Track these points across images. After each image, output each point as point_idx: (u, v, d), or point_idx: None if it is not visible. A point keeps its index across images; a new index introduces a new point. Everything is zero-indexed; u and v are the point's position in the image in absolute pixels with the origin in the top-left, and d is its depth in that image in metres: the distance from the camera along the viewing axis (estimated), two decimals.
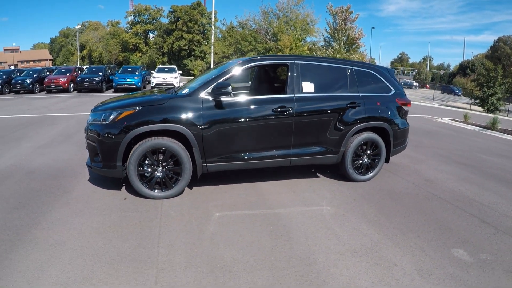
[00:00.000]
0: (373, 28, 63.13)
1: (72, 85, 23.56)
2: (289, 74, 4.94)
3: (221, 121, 4.49)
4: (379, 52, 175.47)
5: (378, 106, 5.29)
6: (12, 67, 59.70)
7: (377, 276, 2.96)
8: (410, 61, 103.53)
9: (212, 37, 38.29)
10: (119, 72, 25.68)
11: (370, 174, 5.44)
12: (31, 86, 22.81)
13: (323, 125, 5.01)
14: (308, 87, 4.97)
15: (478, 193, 5.14)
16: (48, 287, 2.68)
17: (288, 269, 3.01)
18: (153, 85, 24.69)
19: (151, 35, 66.75)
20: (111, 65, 31.55)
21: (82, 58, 67.92)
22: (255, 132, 4.71)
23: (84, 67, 31.05)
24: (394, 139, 5.45)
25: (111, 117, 4.33)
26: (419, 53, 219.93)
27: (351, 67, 5.32)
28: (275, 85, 6.26)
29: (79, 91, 22.71)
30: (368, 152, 5.36)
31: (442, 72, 75.59)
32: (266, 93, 5.66)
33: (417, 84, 56.63)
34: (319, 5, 77.31)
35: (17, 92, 22.90)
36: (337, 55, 32.12)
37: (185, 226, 3.71)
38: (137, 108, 4.33)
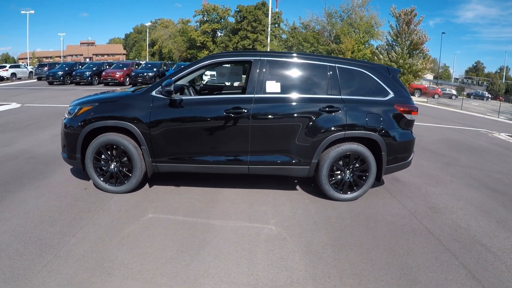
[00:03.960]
0: (443, 33, 58.21)
1: (128, 79, 24.61)
2: (251, 72, 4.38)
3: (170, 120, 4.30)
4: (453, 60, 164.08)
5: (365, 112, 4.37)
6: (87, 60, 64.84)
7: None
8: (486, 70, 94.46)
9: (269, 38, 37.90)
10: (172, 68, 26.36)
11: (354, 194, 4.53)
12: (89, 78, 24.32)
13: (288, 131, 4.28)
14: (272, 87, 4.31)
15: (492, 234, 3.94)
16: None
17: (164, 286, 2.75)
18: (204, 82, 25.07)
19: (219, 33, 68.45)
20: (168, 62, 32.59)
21: (153, 54, 71.78)
22: (207, 134, 4.30)
23: (142, 62, 32.41)
24: (389, 153, 4.47)
25: (75, 112, 4.47)
26: (496, 62, 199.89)
27: (333, 65, 4.47)
28: None
29: (134, 85, 23.62)
30: (352, 167, 4.44)
31: None
32: None
33: (489, 96, 51.34)
34: (384, 7, 73.47)
35: (77, 84, 24.62)
36: (400, 60, 30.00)
37: (111, 222, 3.71)
38: (94, 104, 4.42)
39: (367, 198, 4.66)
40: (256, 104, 4.23)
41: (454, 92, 45.93)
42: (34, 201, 4.13)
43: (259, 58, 4.41)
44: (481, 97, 50.80)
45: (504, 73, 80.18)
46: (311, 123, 4.26)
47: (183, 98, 4.38)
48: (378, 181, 4.68)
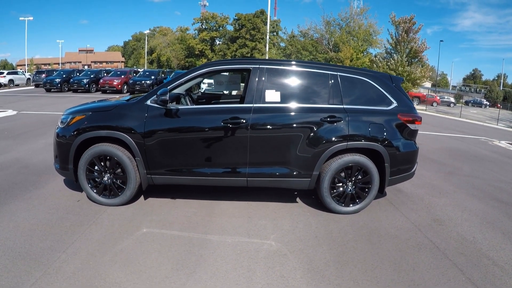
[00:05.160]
0: (441, 41, 58.20)
1: (125, 86, 24.54)
2: (250, 80, 4.26)
3: (165, 130, 4.15)
4: (451, 68, 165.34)
5: (368, 122, 4.25)
6: (86, 67, 64.90)
7: None
8: (484, 78, 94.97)
9: (267, 46, 37.95)
10: (170, 76, 26.31)
11: (356, 206, 4.39)
12: (87, 85, 24.21)
13: (288, 142, 4.15)
14: (272, 96, 4.18)
15: (498, 246, 3.82)
16: None
17: None
18: (202, 90, 25.01)
19: (217, 41, 68.52)
20: (166, 70, 32.56)
21: (151, 62, 71.75)
22: (204, 145, 4.16)
23: (140, 70, 32.37)
24: (392, 164, 4.34)
25: (67, 121, 4.34)
26: (493, 70, 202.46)
27: (335, 73, 4.35)
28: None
29: (132, 93, 23.56)
30: (354, 179, 4.31)
31: None
32: None
33: (488, 103, 51.49)
34: (383, 15, 73.96)
35: (75, 91, 24.50)
36: (399, 68, 30.05)
37: (104, 237, 3.56)
38: (88, 114, 4.29)
39: (369, 211, 4.52)
40: (255, 114, 4.10)
41: (452, 99, 46.02)
42: (24, 214, 3.99)
43: (258, 66, 4.29)
44: (479, 104, 50.91)
45: (502, 80, 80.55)
46: (312, 133, 4.13)
47: (179, 107, 4.24)
48: (381, 193, 4.56)
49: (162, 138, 4.11)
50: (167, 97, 4.02)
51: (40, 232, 3.60)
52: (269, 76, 4.26)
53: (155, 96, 4.11)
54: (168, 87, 4.15)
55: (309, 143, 4.14)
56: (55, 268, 2.97)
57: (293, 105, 4.21)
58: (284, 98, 4.22)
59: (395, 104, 4.41)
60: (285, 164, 4.19)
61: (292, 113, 4.18)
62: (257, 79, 4.22)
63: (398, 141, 4.36)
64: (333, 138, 4.14)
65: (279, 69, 4.34)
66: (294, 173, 4.21)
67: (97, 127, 4.16)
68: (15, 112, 12.72)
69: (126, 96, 5.23)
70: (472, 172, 7.31)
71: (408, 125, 4.43)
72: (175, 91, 4.55)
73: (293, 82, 4.34)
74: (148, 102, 4.18)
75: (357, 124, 4.20)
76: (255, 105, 4.14)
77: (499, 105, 39.55)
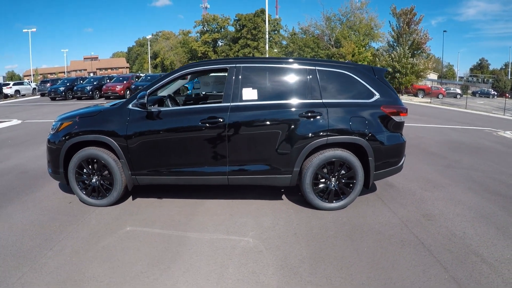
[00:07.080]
0: (444, 31, 57.15)
1: (128, 92, 24.68)
2: (227, 79, 4.27)
3: (146, 132, 4.23)
4: (458, 58, 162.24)
5: (349, 115, 4.16)
6: (91, 74, 65.60)
7: None
8: (491, 67, 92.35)
9: (267, 45, 37.87)
10: None
11: (340, 202, 4.30)
12: (90, 92, 24.43)
13: (266, 139, 4.12)
14: (249, 94, 4.17)
15: (490, 242, 3.60)
16: None
17: None
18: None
19: (220, 43, 68.68)
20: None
21: (156, 66, 72.23)
22: (185, 145, 4.20)
23: (142, 74, 32.54)
24: (377, 158, 4.24)
25: (57, 127, 4.50)
26: (501, 59, 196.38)
27: (312, 68, 4.29)
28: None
29: None
30: (337, 174, 4.22)
31: None
32: None
33: (495, 93, 50.31)
34: (384, 7, 72.85)
35: (79, 98, 24.74)
36: (403, 60, 29.75)
37: (89, 235, 3.69)
38: (74, 119, 4.44)
39: (356, 206, 4.42)
40: (233, 112, 4.09)
41: (458, 91, 45.11)
42: (19, 215, 4.19)
43: (234, 65, 4.28)
44: (486, 95, 49.78)
45: (510, 69, 78.49)
46: (290, 130, 4.08)
47: (161, 109, 4.32)
48: (367, 188, 4.45)
49: (143, 140, 4.18)
50: (145, 100, 4.10)
51: (31, 231, 3.77)
52: (245, 75, 4.24)
53: (136, 99, 4.18)
54: (147, 91, 4.22)
55: (288, 139, 4.08)
56: (40, 264, 3.13)
57: (270, 102, 4.17)
58: (262, 95, 4.19)
59: (377, 96, 4.31)
60: (265, 161, 4.15)
61: (270, 110, 4.13)
62: (234, 77, 4.22)
63: (382, 134, 4.26)
64: (313, 134, 4.08)
65: (256, 67, 4.33)
66: (275, 170, 4.17)
67: (83, 132, 4.30)
68: (19, 122, 12.98)
69: (113, 101, 5.25)
70: (472, 164, 7.06)
71: (393, 117, 4.32)
72: (159, 93, 4.57)
73: (270, 79, 4.31)
74: (130, 106, 4.27)
75: (337, 118, 4.13)
76: (232, 103, 4.13)
77: (507, 94, 38.55)
